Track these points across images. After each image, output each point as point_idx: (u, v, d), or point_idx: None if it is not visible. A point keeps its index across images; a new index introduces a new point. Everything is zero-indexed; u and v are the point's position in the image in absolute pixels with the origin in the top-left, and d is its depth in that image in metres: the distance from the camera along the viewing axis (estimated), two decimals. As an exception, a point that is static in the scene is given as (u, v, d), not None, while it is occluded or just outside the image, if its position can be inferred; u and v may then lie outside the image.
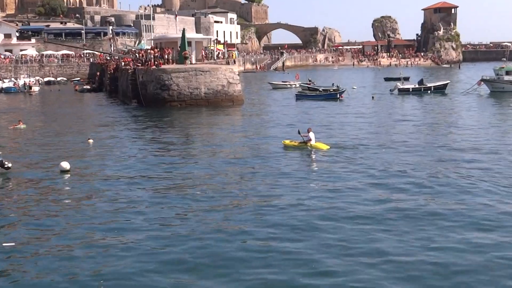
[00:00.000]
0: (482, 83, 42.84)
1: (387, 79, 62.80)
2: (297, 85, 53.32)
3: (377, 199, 11.82)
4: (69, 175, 14.87)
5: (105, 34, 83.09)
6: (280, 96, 44.42)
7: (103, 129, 25.56)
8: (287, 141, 18.73)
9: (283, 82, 57.52)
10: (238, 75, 37.24)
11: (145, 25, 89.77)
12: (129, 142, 21.32)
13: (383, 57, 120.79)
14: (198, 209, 11.35)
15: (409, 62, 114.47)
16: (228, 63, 61.56)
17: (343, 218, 10.46)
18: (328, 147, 17.98)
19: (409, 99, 40.26)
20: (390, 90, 45.73)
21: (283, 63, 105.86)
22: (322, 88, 46.04)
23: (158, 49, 41.22)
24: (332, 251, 8.69)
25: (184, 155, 17.82)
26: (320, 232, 9.65)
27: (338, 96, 40.52)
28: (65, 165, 15.25)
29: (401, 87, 44.76)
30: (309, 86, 48.16)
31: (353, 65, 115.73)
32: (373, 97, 41.40)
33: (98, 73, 61.77)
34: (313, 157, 17.07)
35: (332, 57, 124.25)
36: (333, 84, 47.29)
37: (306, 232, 9.66)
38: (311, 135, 18.37)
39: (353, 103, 37.73)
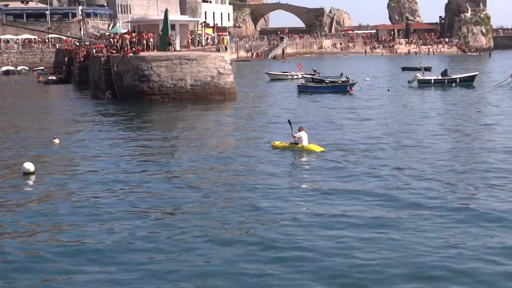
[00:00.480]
0: (516, 74, 43.14)
1: (405, 69, 63.16)
2: (300, 76, 53.46)
3: (372, 216, 11.66)
4: (34, 178, 15.16)
5: (74, 15, 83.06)
6: (280, 89, 44.64)
7: (71, 127, 25.65)
8: (277, 142, 19.23)
9: (283, 72, 57.79)
10: (230, 64, 37.34)
11: (120, 4, 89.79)
12: (101, 142, 21.30)
13: (401, 44, 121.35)
14: (180, 218, 11.69)
15: (431, 50, 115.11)
16: (218, 50, 61.67)
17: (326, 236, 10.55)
18: (322, 149, 18.22)
19: (430, 93, 40.54)
20: (409, 82, 45.99)
21: (283, 50, 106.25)
22: (329, 79, 46.15)
23: (136, 33, 41.19)
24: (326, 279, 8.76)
25: (164, 158, 18.04)
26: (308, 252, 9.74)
27: (347, 89, 40.75)
28: (29, 166, 15.46)
29: (421, 78, 45.05)
30: (313, 77, 48.36)
31: (365, 52, 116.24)
32: (388, 90, 41.78)
33: (65, 61, 61.77)
34: (303, 161, 17.47)
35: (340, 44, 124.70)
36: (341, 75, 47.21)
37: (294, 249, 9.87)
38: (303, 135, 18.62)
39: (365, 97, 37.96)
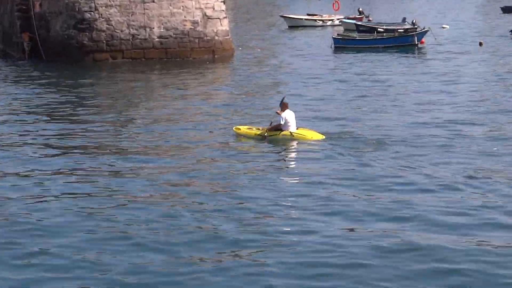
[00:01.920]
0: None
1: (507, 11, 63.42)
2: (336, 22, 53.82)
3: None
4: None
5: None
6: (304, 43, 44.54)
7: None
8: (244, 128, 19.91)
9: (309, 16, 58.07)
10: (224, 2, 37.50)
11: None
12: (15, 128, 21.49)
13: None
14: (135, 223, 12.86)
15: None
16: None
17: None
18: (322, 136, 18.91)
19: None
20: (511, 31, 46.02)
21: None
22: (384, 27, 46.14)
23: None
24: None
25: (112, 157, 18.15)
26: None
27: (414, 42, 40.90)
28: None
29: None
30: (359, 23, 48.38)
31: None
32: (480, 44, 41.95)
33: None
34: (294, 155, 18.33)
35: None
36: (404, 20, 47.35)
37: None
38: (289, 115, 19.03)
39: (442, 54, 37.96)
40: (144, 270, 10.79)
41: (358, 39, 43.12)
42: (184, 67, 33.13)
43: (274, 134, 18.95)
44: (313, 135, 18.80)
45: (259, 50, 41.03)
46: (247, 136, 19.49)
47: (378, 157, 17.20)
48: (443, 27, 50.24)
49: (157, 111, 24.21)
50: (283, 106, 19.01)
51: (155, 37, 34.88)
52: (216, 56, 35.47)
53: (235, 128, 19.90)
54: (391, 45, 41.03)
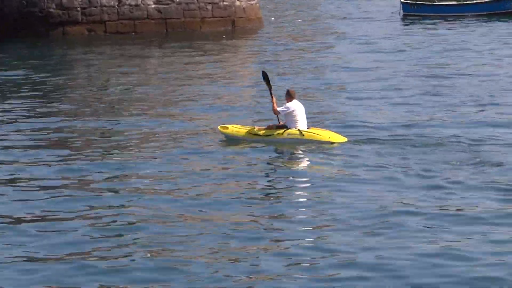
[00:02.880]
0: None
1: None
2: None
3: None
4: None
5: None
6: (361, 10, 44.47)
7: None
8: (234, 127, 20.43)
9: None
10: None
11: None
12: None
13: None
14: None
15: None
16: None
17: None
18: (345, 139, 19.20)
19: None
20: None
21: None
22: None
23: None
24: None
25: (96, 155, 18.30)
26: None
27: (510, 9, 39.72)
28: None
29: None
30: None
31: None
32: None
33: None
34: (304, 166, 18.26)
35: None
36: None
37: None
38: (297, 106, 19.28)
39: None
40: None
41: (436, 5, 42.67)
42: (191, 45, 32.60)
43: (275, 133, 18.75)
44: (331, 136, 18.41)
45: (299, 20, 40.85)
46: (236, 137, 19.86)
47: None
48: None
49: (150, 102, 23.79)
50: (290, 94, 18.60)
51: (151, 3, 34.21)
52: (236, 28, 34.85)
53: (220, 127, 20.37)
54: (481, 13, 40.37)
